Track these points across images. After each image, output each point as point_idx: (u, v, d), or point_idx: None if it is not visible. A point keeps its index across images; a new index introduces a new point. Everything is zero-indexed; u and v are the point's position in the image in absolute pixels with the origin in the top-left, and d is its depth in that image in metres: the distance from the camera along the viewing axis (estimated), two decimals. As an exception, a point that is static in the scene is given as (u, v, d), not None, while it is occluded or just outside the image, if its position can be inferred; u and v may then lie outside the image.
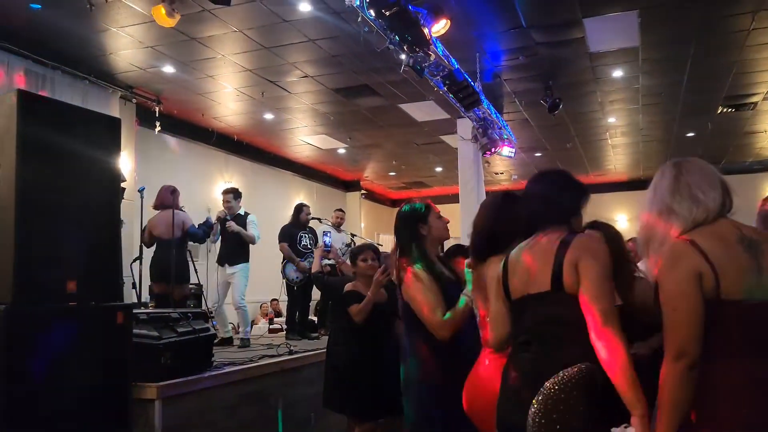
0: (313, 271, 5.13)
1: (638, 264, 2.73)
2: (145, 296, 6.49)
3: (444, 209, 3.25)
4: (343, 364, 4.20)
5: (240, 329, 6.81)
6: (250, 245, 6.98)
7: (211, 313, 6.58)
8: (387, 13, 5.34)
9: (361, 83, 8.73)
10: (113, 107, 8.31)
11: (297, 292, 7.57)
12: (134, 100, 8.94)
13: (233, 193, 7.06)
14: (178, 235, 6.37)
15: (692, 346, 1.74)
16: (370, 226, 16.18)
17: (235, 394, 4.51)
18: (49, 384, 3.06)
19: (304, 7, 6.48)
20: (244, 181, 11.98)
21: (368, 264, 4.15)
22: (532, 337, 2.01)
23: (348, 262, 5.78)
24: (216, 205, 7.17)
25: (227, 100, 9.46)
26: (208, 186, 10.92)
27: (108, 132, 3.56)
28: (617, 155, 13.30)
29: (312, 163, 13.89)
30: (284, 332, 7.82)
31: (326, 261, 6.05)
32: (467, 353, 2.62)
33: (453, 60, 6.98)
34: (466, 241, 2.97)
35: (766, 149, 13.03)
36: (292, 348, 5.73)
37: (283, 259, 7.59)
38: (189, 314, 4.44)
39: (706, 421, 1.76)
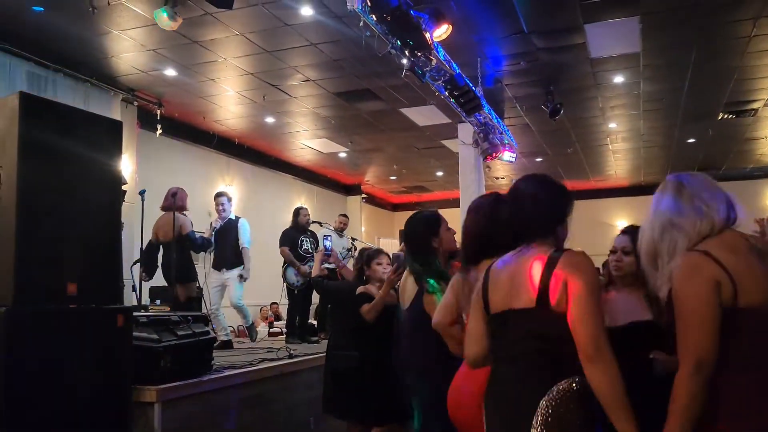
0: (313, 275, 5.13)
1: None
2: (145, 299, 6.49)
3: (444, 214, 3.26)
4: (344, 369, 4.20)
5: (244, 323, 6.82)
6: None
7: (208, 317, 6.58)
8: (388, 18, 5.36)
9: (362, 87, 8.75)
10: (115, 110, 8.33)
11: (297, 296, 7.57)
12: (136, 103, 8.96)
13: (226, 197, 7.07)
14: (173, 237, 6.40)
15: (711, 355, 1.74)
16: (371, 230, 16.18)
17: (234, 397, 4.50)
18: (49, 386, 3.05)
19: (306, 11, 6.49)
20: (244, 184, 11.99)
21: (383, 268, 4.18)
22: (517, 353, 1.96)
23: (348, 266, 5.79)
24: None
25: (228, 103, 9.47)
26: (209, 189, 10.89)
27: (109, 134, 3.56)
28: (618, 161, 13.30)
29: (313, 167, 13.90)
30: (284, 336, 7.82)
31: (326, 265, 6.05)
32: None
33: (454, 65, 6.99)
34: None
35: (767, 155, 13.03)
36: (292, 352, 5.72)
37: (284, 263, 7.60)
38: (189, 317, 4.44)
39: (722, 430, 1.75)
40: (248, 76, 8.33)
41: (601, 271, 3.61)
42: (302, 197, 13.74)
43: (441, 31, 6.12)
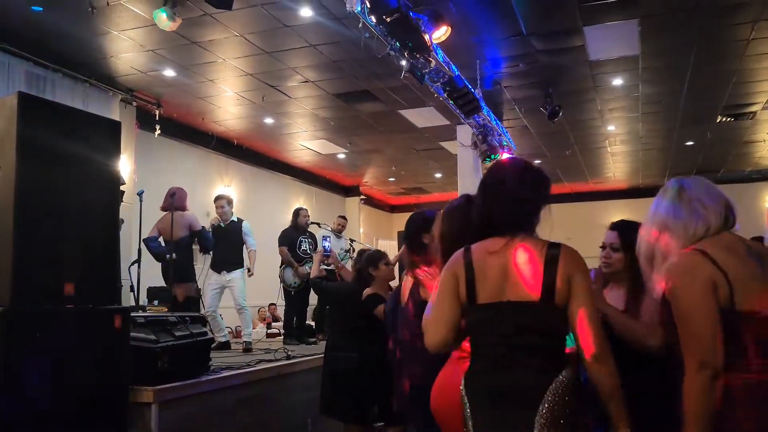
0: (312, 276, 5.13)
1: None
2: (143, 299, 6.49)
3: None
4: (343, 370, 4.19)
5: (243, 332, 6.82)
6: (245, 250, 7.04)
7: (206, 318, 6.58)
8: (388, 19, 5.35)
9: (361, 89, 8.75)
10: (113, 110, 8.32)
11: (294, 297, 7.56)
12: (134, 103, 8.95)
13: (226, 200, 7.07)
14: (178, 236, 6.39)
15: (714, 355, 1.74)
16: (369, 232, 16.18)
17: (232, 398, 4.50)
18: (46, 386, 3.05)
19: (306, 13, 6.50)
20: (243, 185, 11.99)
21: (390, 268, 4.19)
22: (515, 345, 1.94)
23: (347, 267, 5.79)
24: (214, 209, 7.20)
25: (227, 104, 9.47)
26: (208, 190, 10.91)
27: (108, 135, 3.56)
28: (616, 163, 13.32)
29: (312, 168, 13.90)
30: (282, 337, 7.82)
31: (324, 266, 6.05)
32: None
33: (453, 66, 7.00)
34: None
35: (765, 158, 13.05)
36: (289, 353, 5.72)
37: (282, 264, 7.59)
38: (187, 318, 4.44)
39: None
40: (247, 76, 8.32)
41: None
42: (301, 198, 13.74)
43: (440, 33, 6.12)
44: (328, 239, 6.02)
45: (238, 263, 6.90)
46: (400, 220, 16.99)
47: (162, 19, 5.99)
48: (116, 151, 3.60)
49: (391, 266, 4.23)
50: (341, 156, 12.77)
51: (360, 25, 5.53)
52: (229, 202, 7.08)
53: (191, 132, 10.53)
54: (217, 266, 6.89)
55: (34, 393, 3.01)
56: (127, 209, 5.98)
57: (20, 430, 2.93)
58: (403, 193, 16.81)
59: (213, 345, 5.23)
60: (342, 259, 7.05)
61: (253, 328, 8.62)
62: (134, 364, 3.59)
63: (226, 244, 6.89)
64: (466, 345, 2.19)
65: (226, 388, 4.45)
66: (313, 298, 7.60)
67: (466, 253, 2.05)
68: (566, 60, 7.83)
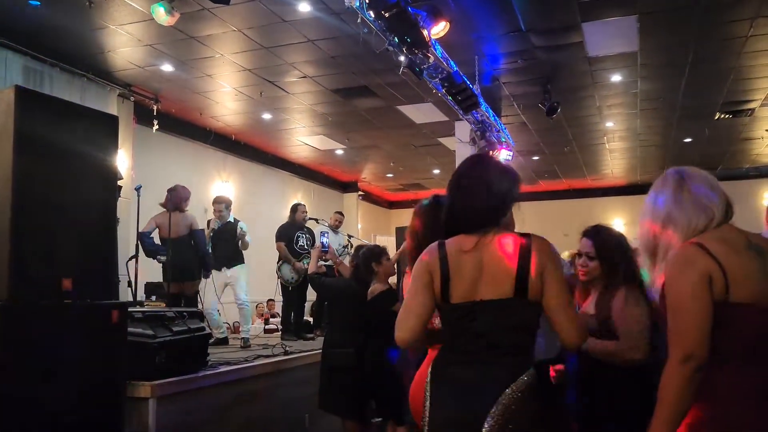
0: (309, 271, 5.13)
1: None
2: (141, 295, 6.49)
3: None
4: (341, 366, 4.20)
5: (242, 327, 6.82)
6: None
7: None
8: (386, 15, 5.35)
9: (359, 84, 8.74)
10: (111, 105, 8.30)
11: (292, 293, 7.55)
12: (132, 98, 8.93)
13: (225, 204, 7.04)
14: (178, 234, 6.40)
15: (701, 348, 1.72)
16: (367, 228, 16.18)
17: (230, 394, 4.50)
18: (43, 381, 3.05)
19: (304, 8, 6.48)
20: (241, 180, 11.98)
21: (391, 263, 4.28)
22: (487, 344, 1.93)
23: (345, 263, 5.78)
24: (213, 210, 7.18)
25: (225, 99, 9.45)
26: (205, 185, 10.90)
27: (105, 130, 3.55)
28: (614, 159, 13.33)
29: (310, 164, 13.88)
30: (280, 333, 7.81)
31: (322, 262, 6.05)
32: None
33: (452, 62, 6.99)
34: None
35: (763, 155, 13.07)
36: (287, 348, 5.72)
37: (279, 260, 7.58)
38: (184, 313, 4.44)
39: (711, 427, 1.74)
40: (245, 72, 8.31)
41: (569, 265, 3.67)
42: (299, 194, 13.73)
43: (439, 29, 6.11)
44: (326, 235, 6.02)
45: (238, 260, 6.90)
46: (398, 216, 17.01)
47: (160, 13, 5.97)
48: (114, 146, 3.60)
49: (392, 261, 4.26)
50: (339, 152, 12.76)
51: (358, 20, 5.52)
52: (228, 206, 7.04)
53: (189, 127, 10.51)
54: (218, 264, 6.89)
55: (31, 388, 3.01)
56: (124, 204, 5.98)
57: (16, 425, 2.93)
58: (401, 189, 16.81)
59: (211, 341, 5.22)
60: (339, 255, 7.05)
61: (251, 324, 8.63)
62: (131, 359, 3.58)
63: (224, 243, 6.88)
64: None
65: (223, 383, 4.46)
66: (310, 294, 7.61)
67: (440, 248, 2.02)
68: (565, 56, 7.82)
